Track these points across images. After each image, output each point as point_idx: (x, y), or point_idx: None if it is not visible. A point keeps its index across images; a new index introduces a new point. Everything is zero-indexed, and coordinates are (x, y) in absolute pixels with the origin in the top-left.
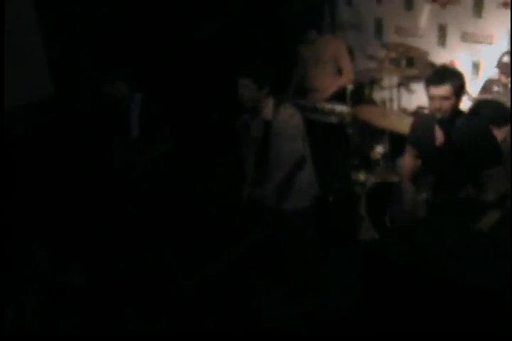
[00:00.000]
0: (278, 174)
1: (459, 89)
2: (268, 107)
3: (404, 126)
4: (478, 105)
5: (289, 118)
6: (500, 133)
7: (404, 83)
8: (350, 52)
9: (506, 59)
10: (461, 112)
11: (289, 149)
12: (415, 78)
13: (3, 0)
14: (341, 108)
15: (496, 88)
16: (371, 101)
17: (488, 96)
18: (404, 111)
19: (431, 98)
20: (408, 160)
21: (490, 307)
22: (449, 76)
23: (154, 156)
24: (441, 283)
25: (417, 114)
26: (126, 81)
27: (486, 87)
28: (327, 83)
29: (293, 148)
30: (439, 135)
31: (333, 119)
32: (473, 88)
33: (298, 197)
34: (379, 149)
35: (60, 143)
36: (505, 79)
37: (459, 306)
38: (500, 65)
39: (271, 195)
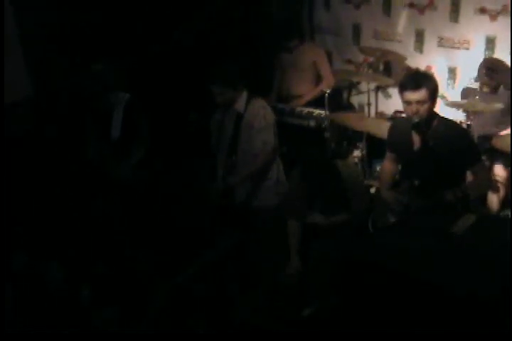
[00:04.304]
0: (250, 165)
1: (434, 93)
2: (241, 100)
3: (381, 130)
4: None
5: (260, 109)
6: None
7: (382, 88)
8: (329, 57)
9: (484, 69)
10: (436, 115)
11: (260, 140)
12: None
13: (2, 0)
14: (319, 112)
15: (472, 96)
16: (349, 106)
17: (462, 101)
18: (381, 115)
19: (407, 103)
20: (388, 165)
21: (465, 308)
22: (424, 80)
23: (133, 159)
24: (418, 285)
25: (394, 118)
26: (115, 81)
27: (465, 94)
28: (306, 89)
29: (264, 139)
30: (417, 139)
31: (311, 123)
32: (450, 93)
33: (266, 194)
34: (356, 153)
35: (39, 142)
36: (485, 89)
37: (433, 307)
38: (479, 76)
39: (243, 191)
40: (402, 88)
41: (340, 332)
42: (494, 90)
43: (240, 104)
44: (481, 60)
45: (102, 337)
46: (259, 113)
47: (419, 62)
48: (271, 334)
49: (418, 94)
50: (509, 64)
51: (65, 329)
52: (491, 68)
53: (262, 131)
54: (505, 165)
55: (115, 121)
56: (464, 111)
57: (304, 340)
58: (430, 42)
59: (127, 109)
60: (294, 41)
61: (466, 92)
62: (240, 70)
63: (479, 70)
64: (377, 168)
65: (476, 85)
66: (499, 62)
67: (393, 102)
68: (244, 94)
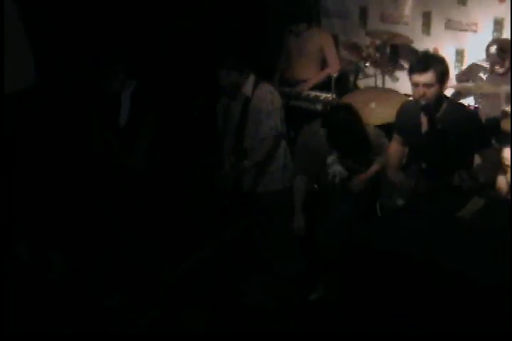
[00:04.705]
0: (257, 150)
1: (443, 76)
2: (248, 84)
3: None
4: None
5: (267, 94)
6: None
7: (389, 71)
8: (335, 40)
9: (494, 49)
10: (445, 98)
11: (267, 125)
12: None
13: (2, 0)
14: (326, 95)
15: (480, 74)
16: (356, 89)
17: (469, 83)
18: None
19: (414, 85)
20: (395, 148)
21: (475, 294)
22: (432, 63)
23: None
24: (427, 270)
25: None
26: (124, 71)
27: (472, 70)
28: (312, 73)
29: (271, 124)
30: (425, 122)
31: (318, 107)
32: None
33: (273, 178)
34: None
35: (44, 132)
36: (498, 69)
37: (440, 291)
38: (489, 56)
39: (250, 175)
40: (411, 70)
41: (342, 327)
42: (504, 71)
43: (248, 89)
44: (488, 42)
45: (102, 337)
46: (267, 97)
47: (426, 44)
48: (271, 334)
49: (425, 77)
50: None
51: (65, 329)
52: (502, 49)
53: (269, 116)
54: None
55: (123, 108)
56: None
57: (303, 340)
58: (437, 25)
59: (134, 96)
60: (302, 26)
61: (473, 68)
62: (245, 53)
63: (488, 50)
64: None
65: (485, 64)
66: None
67: (401, 85)
68: (252, 79)
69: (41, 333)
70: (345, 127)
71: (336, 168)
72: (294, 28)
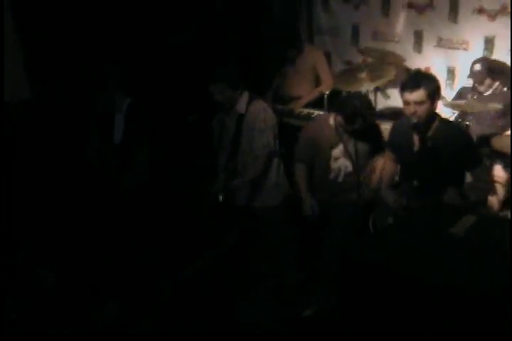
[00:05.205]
0: (250, 167)
1: (433, 94)
2: (242, 101)
3: None
4: None
5: (261, 111)
6: None
7: (381, 88)
8: (328, 57)
9: (478, 67)
10: (436, 116)
11: (260, 142)
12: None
13: (2, 0)
14: (319, 112)
15: (469, 95)
16: None
17: (460, 101)
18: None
19: (406, 103)
20: (387, 165)
21: (464, 308)
22: (423, 81)
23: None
24: (416, 285)
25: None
26: (120, 88)
27: (461, 93)
28: (305, 90)
29: (264, 142)
30: (416, 140)
31: None
32: (448, 94)
33: (267, 194)
34: None
35: (38, 143)
36: (480, 88)
37: (432, 307)
38: (472, 74)
39: (243, 191)
40: (402, 88)
41: (339, 332)
42: (485, 90)
43: (241, 106)
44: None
45: (102, 337)
46: (260, 115)
47: (418, 62)
48: (271, 334)
49: (416, 95)
50: (509, 65)
51: (65, 330)
52: (491, 69)
53: (262, 134)
54: (505, 166)
55: (117, 124)
56: (462, 111)
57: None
58: (429, 43)
59: (130, 113)
60: (293, 51)
61: (463, 91)
62: (239, 70)
63: (472, 68)
64: None
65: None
66: (500, 64)
67: (392, 103)
68: (246, 96)
69: (41, 333)
70: (361, 113)
71: (342, 161)
72: (286, 53)
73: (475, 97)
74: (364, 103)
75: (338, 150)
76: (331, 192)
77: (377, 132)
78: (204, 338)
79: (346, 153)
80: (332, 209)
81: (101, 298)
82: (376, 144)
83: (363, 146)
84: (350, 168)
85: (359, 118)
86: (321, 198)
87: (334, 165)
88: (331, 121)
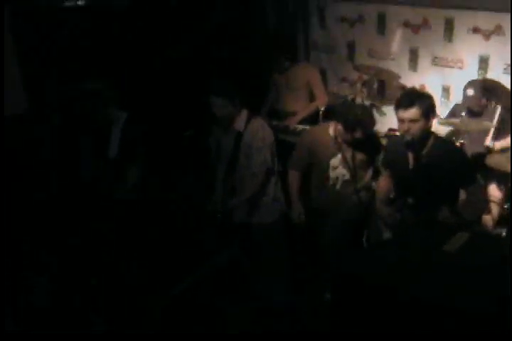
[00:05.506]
0: (248, 184)
1: (428, 112)
2: (240, 119)
3: None
4: None
5: (259, 129)
6: None
7: (376, 105)
8: (323, 74)
9: (471, 92)
10: (431, 134)
11: (258, 160)
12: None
13: (2, 1)
14: None
15: (463, 113)
16: None
17: (455, 119)
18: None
19: (400, 121)
20: (383, 182)
21: (458, 324)
22: (417, 99)
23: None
24: (409, 300)
25: (390, 136)
26: (115, 103)
27: (455, 111)
28: (300, 106)
29: (262, 160)
30: (411, 157)
31: None
32: (443, 112)
33: (263, 211)
34: None
35: (34, 158)
36: (474, 108)
37: (425, 323)
38: (467, 99)
39: (241, 208)
40: (397, 106)
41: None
42: (484, 108)
43: (240, 123)
44: (474, 79)
45: (102, 337)
46: (258, 133)
47: (413, 80)
48: (271, 334)
49: (410, 113)
50: (506, 85)
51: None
52: (486, 88)
53: (260, 152)
54: (499, 185)
55: (113, 140)
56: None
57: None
58: (424, 61)
59: (125, 128)
60: (287, 64)
61: (456, 108)
62: (238, 85)
63: (465, 92)
64: None
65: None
66: (492, 82)
67: (388, 120)
68: (244, 113)
69: (41, 333)
70: (362, 122)
71: (340, 170)
72: (279, 66)
73: (464, 114)
74: (365, 113)
75: (336, 160)
76: (328, 200)
77: (376, 142)
78: (204, 338)
79: (344, 162)
80: (328, 217)
81: (88, 317)
82: (374, 154)
83: (360, 156)
84: (347, 176)
85: (359, 128)
86: (317, 206)
87: (332, 174)
88: (331, 131)
